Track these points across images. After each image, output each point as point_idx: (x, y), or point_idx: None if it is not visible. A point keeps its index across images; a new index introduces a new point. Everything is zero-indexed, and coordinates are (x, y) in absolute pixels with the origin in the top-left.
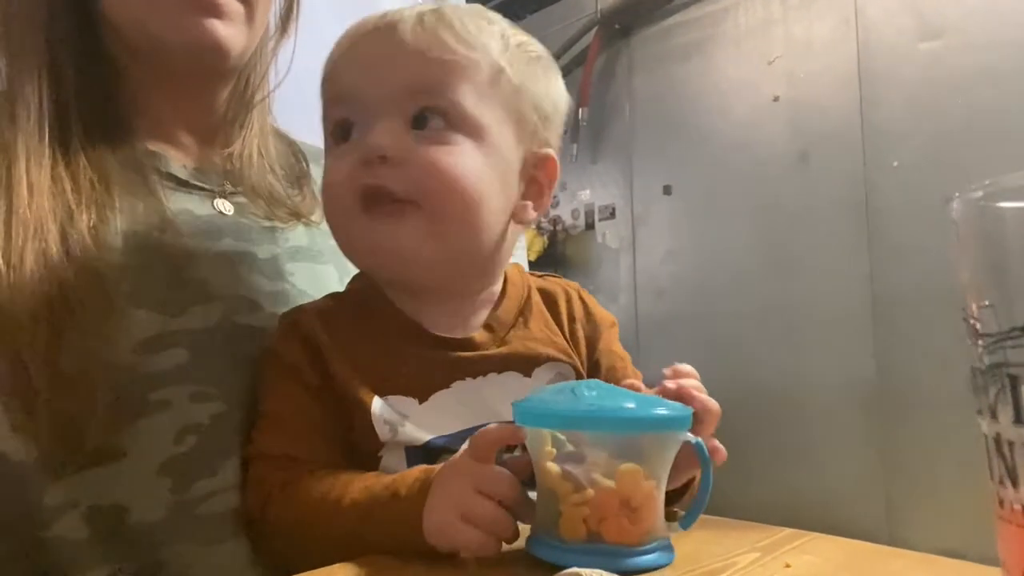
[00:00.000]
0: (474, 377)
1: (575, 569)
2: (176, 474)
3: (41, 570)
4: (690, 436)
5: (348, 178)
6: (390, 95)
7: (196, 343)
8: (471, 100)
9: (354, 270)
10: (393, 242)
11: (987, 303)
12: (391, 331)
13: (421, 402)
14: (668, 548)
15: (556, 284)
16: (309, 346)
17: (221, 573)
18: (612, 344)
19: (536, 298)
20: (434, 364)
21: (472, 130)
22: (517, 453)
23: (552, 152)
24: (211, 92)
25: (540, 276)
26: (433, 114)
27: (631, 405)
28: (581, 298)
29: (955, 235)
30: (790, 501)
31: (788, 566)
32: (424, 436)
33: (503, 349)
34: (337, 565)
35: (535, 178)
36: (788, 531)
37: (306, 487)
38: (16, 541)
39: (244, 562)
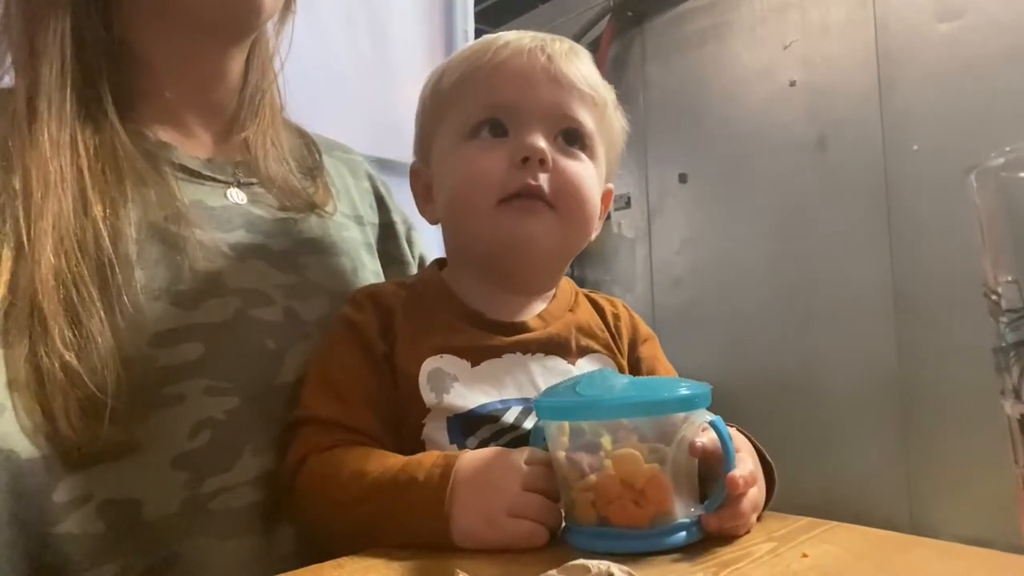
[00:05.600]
0: (524, 353)
1: (582, 561)
2: (190, 468)
3: (47, 567)
4: (708, 415)
5: (505, 171)
6: (547, 112)
7: (211, 337)
8: (593, 129)
9: (367, 263)
10: (529, 232)
11: (1010, 278)
12: (451, 314)
13: (473, 366)
14: (684, 529)
15: (601, 296)
16: (384, 314)
17: (235, 568)
18: (657, 355)
19: (583, 300)
20: (488, 338)
21: (592, 153)
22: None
23: (611, 187)
24: (224, 71)
25: (587, 292)
26: (572, 134)
27: (664, 390)
28: (625, 307)
29: (974, 207)
30: (809, 489)
31: (806, 556)
32: (469, 403)
33: (551, 330)
34: (345, 558)
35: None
36: (806, 520)
37: (337, 458)
38: (24, 538)
39: (258, 557)
